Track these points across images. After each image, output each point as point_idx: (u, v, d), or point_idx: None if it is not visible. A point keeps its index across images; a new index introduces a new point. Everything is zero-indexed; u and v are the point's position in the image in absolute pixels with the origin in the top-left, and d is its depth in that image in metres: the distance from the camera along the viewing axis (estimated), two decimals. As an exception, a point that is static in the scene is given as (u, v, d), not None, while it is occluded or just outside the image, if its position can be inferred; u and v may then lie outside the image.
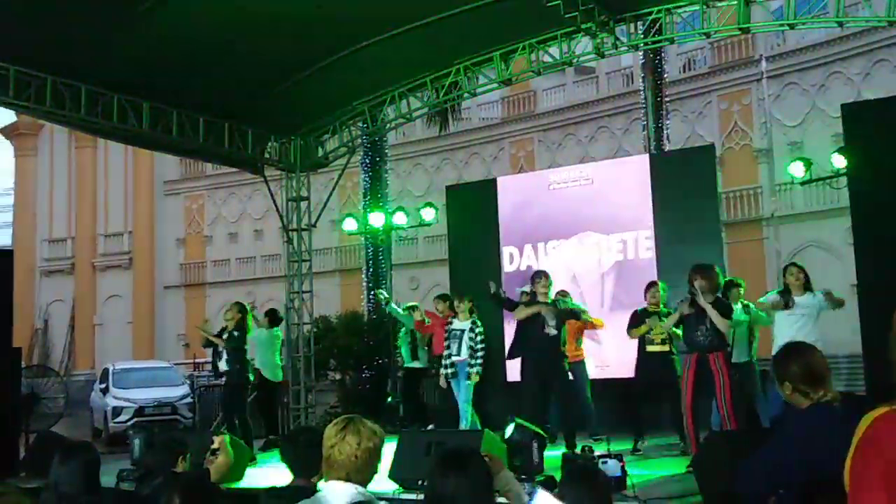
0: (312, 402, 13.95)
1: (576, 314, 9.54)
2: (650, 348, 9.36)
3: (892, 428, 1.80)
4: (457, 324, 10.18)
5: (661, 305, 9.39)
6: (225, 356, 10.70)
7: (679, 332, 8.59)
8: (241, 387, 10.77)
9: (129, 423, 15.01)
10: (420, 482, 6.27)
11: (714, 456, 6.24)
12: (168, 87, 11.30)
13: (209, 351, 11.59)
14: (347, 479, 3.07)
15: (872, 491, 1.78)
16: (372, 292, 17.67)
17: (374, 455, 3.13)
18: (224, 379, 10.89)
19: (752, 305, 9.62)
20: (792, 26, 10.81)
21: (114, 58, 10.41)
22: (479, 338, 10.04)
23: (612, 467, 6.53)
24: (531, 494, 3.11)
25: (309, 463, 3.66)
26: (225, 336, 10.70)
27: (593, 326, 10.67)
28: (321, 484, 3.19)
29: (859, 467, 1.82)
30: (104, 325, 36.90)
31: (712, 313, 7.77)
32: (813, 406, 3.67)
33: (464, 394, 10.02)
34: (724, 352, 7.93)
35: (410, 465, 7.11)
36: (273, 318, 11.88)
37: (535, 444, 7.12)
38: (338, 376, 16.68)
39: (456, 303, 10.33)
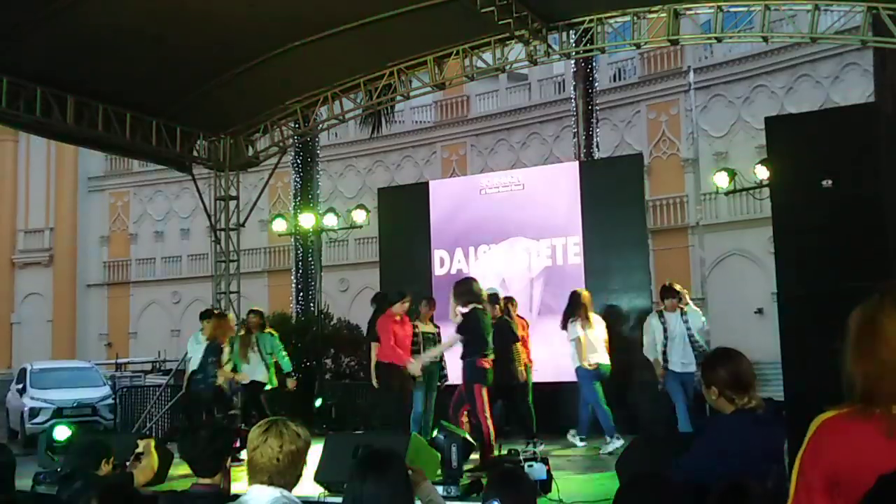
0: (238, 405, 13.74)
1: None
2: None
3: (834, 433, 1.85)
4: (424, 328, 9.90)
5: None
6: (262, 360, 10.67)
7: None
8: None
9: (46, 425, 14.61)
10: (345, 485, 6.23)
11: (637, 459, 6.34)
12: (94, 82, 11.03)
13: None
14: (270, 483, 3.02)
15: (814, 492, 1.82)
16: (301, 294, 17.55)
17: (298, 458, 3.07)
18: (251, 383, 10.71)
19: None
20: (719, 39, 11.08)
21: (37, 49, 10.12)
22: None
23: (537, 470, 6.58)
24: None
25: (210, 460, 3.57)
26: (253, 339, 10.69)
27: None
28: (251, 490, 3.11)
29: (805, 469, 1.86)
30: (22, 323, 35.82)
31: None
32: (737, 411, 3.76)
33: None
34: (465, 361, 8.29)
35: (337, 467, 7.06)
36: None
37: (454, 448, 7.09)
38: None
39: (426, 308, 10.13)
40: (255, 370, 10.81)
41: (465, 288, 8.46)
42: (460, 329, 8.31)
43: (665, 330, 9.34)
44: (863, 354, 1.85)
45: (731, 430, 3.77)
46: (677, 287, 9.54)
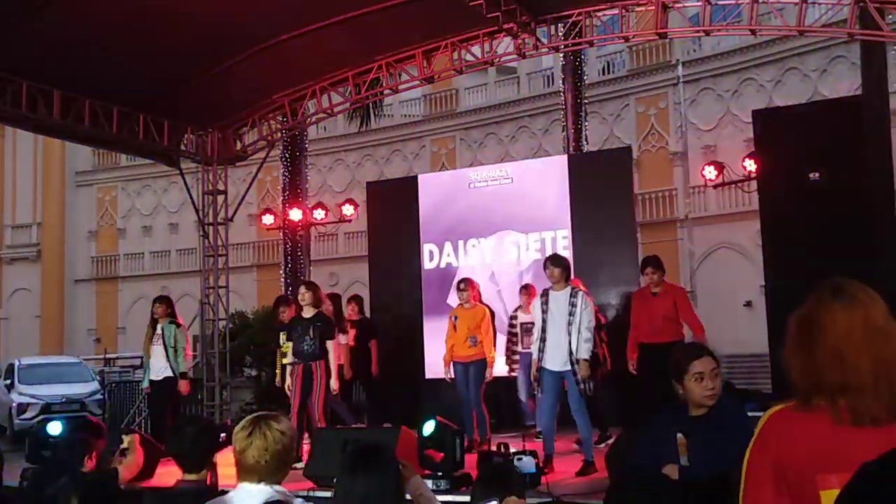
0: (227, 399, 13.74)
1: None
2: (284, 360, 9.63)
3: (781, 426, 1.87)
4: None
5: None
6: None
7: None
8: None
9: (35, 421, 14.55)
10: (335, 480, 6.22)
11: (626, 452, 6.35)
12: (81, 75, 10.96)
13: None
14: (260, 481, 3.02)
15: (762, 488, 1.83)
16: (290, 288, 17.51)
17: (285, 456, 3.07)
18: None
19: None
20: (707, 33, 11.09)
21: (22, 43, 10.05)
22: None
23: (527, 464, 6.59)
24: None
25: (198, 455, 3.56)
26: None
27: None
28: (239, 487, 3.11)
29: (753, 463, 1.88)
30: (10, 319, 35.68)
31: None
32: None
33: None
34: (324, 360, 8.63)
35: (326, 462, 7.05)
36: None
37: (456, 441, 7.08)
38: (254, 373, 16.49)
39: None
40: (161, 366, 10.01)
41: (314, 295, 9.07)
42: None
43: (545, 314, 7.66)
44: (803, 349, 1.89)
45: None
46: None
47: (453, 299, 11.97)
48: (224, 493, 3.20)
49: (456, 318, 9.40)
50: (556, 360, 7.57)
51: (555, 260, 7.88)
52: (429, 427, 7.05)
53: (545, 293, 7.81)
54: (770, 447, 1.85)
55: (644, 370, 8.51)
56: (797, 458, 1.81)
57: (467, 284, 9.47)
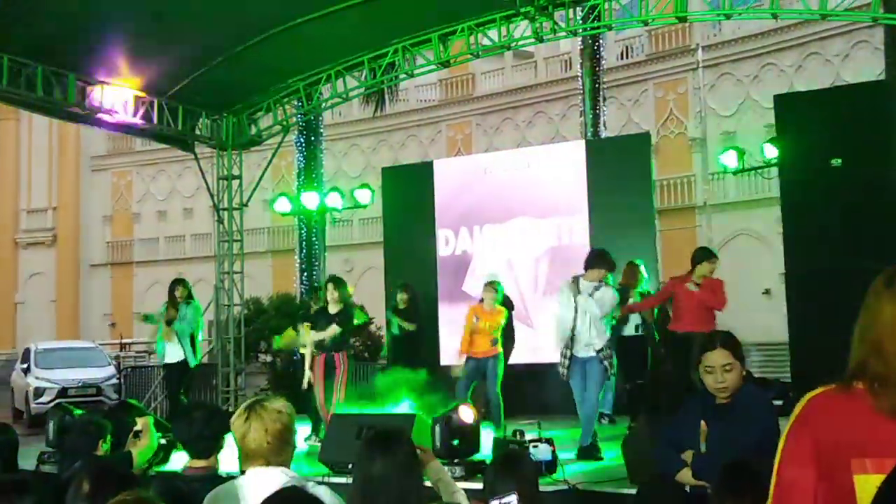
0: (242, 385, 13.74)
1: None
2: (302, 350, 9.88)
3: (820, 408, 1.83)
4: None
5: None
6: None
7: None
8: None
9: (51, 405, 14.62)
10: (351, 465, 6.18)
11: (641, 440, 6.29)
12: (96, 59, 10.92)
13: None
14: (268, 464, 2.99)
15: (804, 468, 1.80)
16: (304, 274, 17.50)
17: (287, 434, 3.04)
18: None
19: None
20: (728, 17, 10.92)
21: (38, 27, 10.01)
22: None
23: (542, 451, 6.54)
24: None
25: (207, 441, 3.52)
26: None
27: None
28: (248, 472, 3.06)
29: (791, 445, 1.84)
30: (26, 303, 35.89)
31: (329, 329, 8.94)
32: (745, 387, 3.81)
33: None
34: (345, 351, 8.99)
35: (341, 448, 7.02)
36: None
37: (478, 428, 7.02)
38: (269, 359, 16.50)
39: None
40: (178, 348, 10.11)
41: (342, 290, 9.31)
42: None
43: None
44: (856, 334, 1.84)
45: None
46: None
47: (468, 286, 11.92)
48: (232, 478, 3.16)
49: (477, 319, 9.28)
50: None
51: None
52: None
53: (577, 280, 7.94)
54: (809, 429, 1.82)
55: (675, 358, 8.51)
56: (834, 442, 1.77)
57: (493, 287, 9.35)
